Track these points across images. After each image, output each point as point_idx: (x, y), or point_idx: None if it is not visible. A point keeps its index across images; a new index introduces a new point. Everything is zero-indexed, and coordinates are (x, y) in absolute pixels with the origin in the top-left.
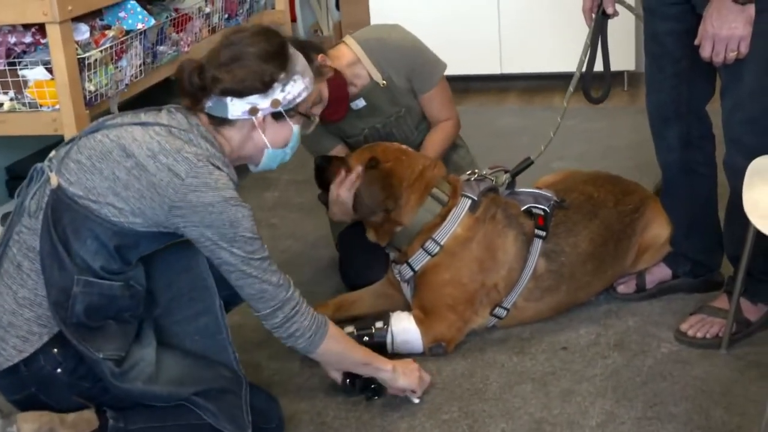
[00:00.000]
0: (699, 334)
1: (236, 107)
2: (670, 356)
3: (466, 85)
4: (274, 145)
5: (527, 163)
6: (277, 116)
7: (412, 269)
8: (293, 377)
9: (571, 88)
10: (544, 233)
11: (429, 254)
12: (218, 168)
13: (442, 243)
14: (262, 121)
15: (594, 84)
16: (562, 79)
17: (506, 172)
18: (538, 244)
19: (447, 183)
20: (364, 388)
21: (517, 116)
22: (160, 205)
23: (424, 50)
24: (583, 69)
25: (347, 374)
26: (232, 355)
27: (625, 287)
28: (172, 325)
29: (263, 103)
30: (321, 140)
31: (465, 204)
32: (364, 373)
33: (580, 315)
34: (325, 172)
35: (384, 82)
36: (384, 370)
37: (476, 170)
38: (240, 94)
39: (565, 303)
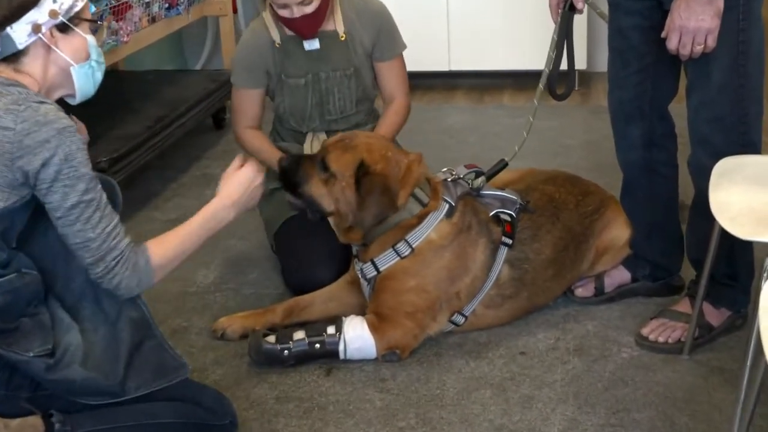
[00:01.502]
0: (661, 339)
1: (19, 33)
2: (632, 361)
3: (413, 83)
4: (77, 59)
5: (501, 165)
6: (63, 29)
7: (377, 269)
8: (241, 382)
9: (541, 86)
10: (510, 241)
11: (398, 255)
12: (42, 102)
13: (414, 246)
14: (51, 36)
15: (557, 81)
16: (512, 77)
17: (478, 175)
18: (503, 252)
19: (428, 183)
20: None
21: (466, 114)
22: (5, 165)
23: (394, 22)
24: (550, 66)
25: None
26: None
27: (584, 290)
28: (68, 286)
29: (41, 17)
30: (249, 72)
31: (443, 208)
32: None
33: (537, 319)
34: (293, 174)
35: (344, 35)
36: (222, 217)
37: (452, 170)
38: (14, 17)
39: (524, 309)
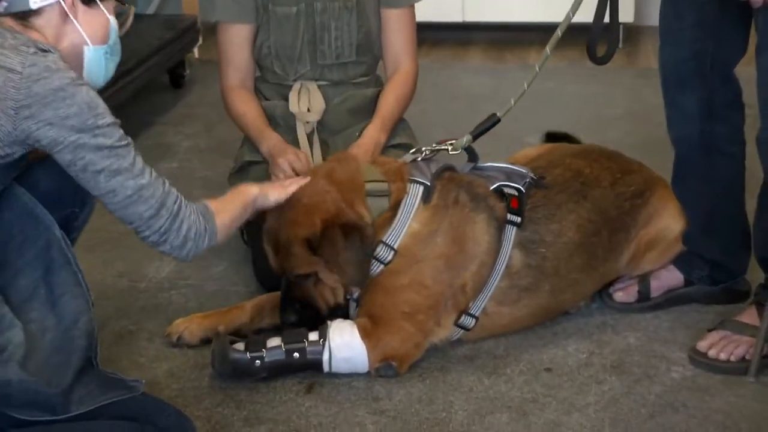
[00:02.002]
0: (721, 356)
1: None
2: (684, 383)
3: (420, 36)
4: (94, 39)
5: (492, 122)
6: (87, 1)
7: None
8: (201, 400)
9: (558, 32)
10: (518, 219)
11: (381, 263)
12: (49, 51)
13: (396, 246)
14: (72, 4)
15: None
16: (539, 31)
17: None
18: (511, 232)
19: (372, 167)
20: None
21: (482, 76)
22: (4, 111)
23: None
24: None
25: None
26: (86, 293)
27: (625, 295)
28: (16, 281)
29: None
30: (234, 1)
31: (416, 192)
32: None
33: (567, 328)
34: (305, 314)
35: None
36: (250, 197)
37: (422, 147)
38: None
39: (547, 308)
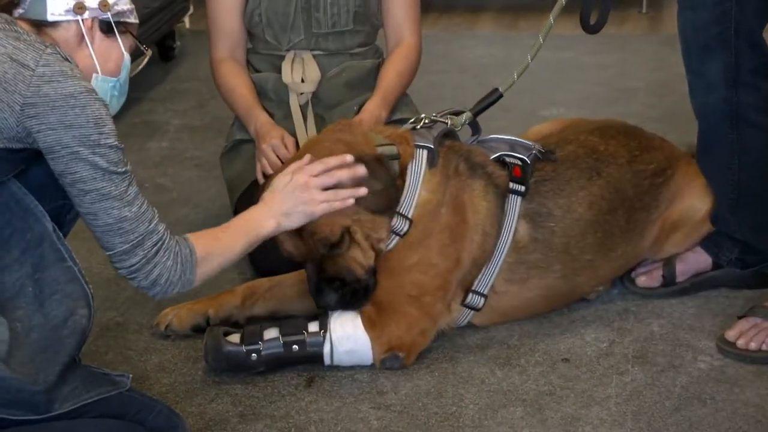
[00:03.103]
0: (752, 345)
1: (57, 2)
2: (711, 374)
3: (427, 2)
4: (105, 68)
5: (495, 97)
6: (106, 30)
7: None
8: (195, 395)
9: (562, 0)
10: (522, 188)
11: (398, 235)
12: (66, 59)
13: (410, 215)
14: (90, 28)
15: (594, 5)
16: None
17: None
18: (516, 202)
19: (378, 135)
20: None
21: (494, 46)
22: (10, 105)
23: None
24: None
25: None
26: (85, 287)
27: (648, 279)
28: (1, 278)
29: (91, 0)
30: None
31: (422, 156)
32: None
33: (586, 315)
34: (327, 286)
35: None
36: (260, 225)
37: (422, 115)
38: None
39: (560, 290)
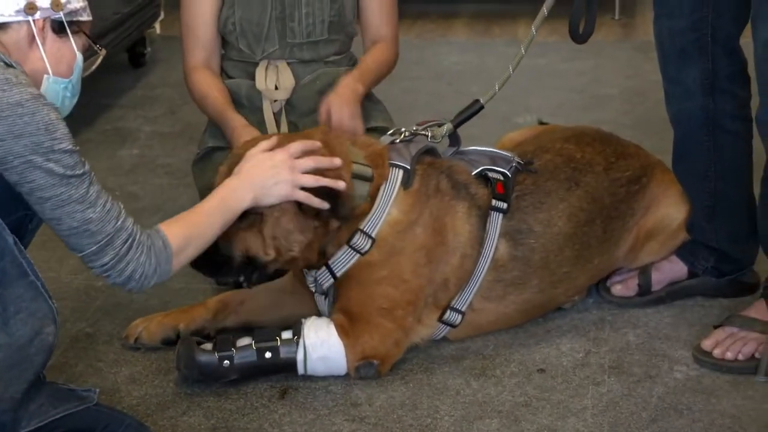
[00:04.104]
0: (728, 355)
1: (7, 3)
2: (688, 384)
3: (401, 8)
4: (57, 70)
5: (475, 109)
6: (58, 29)
7: (333, 275)
8: (166, 407)
9: (544, 10)
10: (504, 205)
11: (358, 252)
12: (10, 65)
13: (374, 234)
14: (42, 28)
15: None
16: (530, 2)
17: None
18: (497, 220)
19: (356, 149)
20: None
21: (468, 53)
22: None
23: None
24: None
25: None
26: (49, 302)
27: (624, 288)
28: None
29: (43, 0)
30: None
31: (396, 176)
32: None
33: (561, 325)
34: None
35: None
36: (238, 197)
37: (402, 129)
38: None
39: (537, 303)
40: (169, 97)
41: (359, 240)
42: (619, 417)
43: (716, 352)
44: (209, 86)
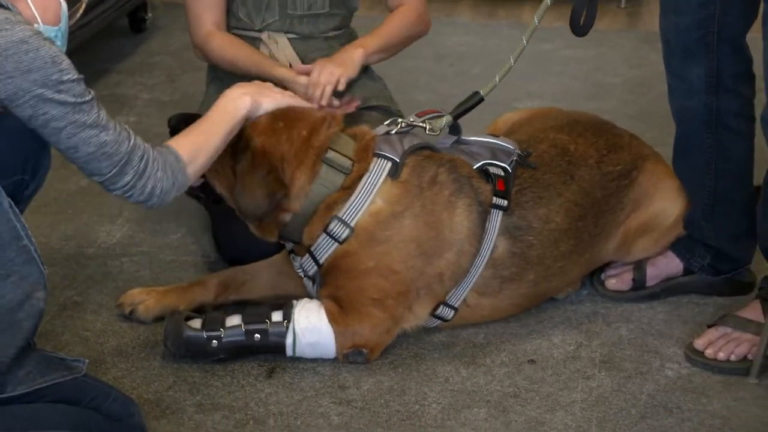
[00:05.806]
0: (721, 355)
1: None
2: (679, 382)
3: None
4: (45, 18)
5: (475, 100)
6: None
7: (317, 262)
8: (151, 382)
9: (547, 0)
10: (505, 202)
11: (336, 240)
12: (8, 8)
13: (352, 223)
14: None
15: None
16: None
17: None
18: (497, 217)
19: (349, 139)
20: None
21: (471, 35)
22: None
23: None
24: None
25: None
26: (41, 267)
27: (618, 282)
28: None
29: None
30: None
31: (382, 167)
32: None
33: (554, 316)
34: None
35: None
36: (237, 104)
37: (399, 119)
38: None
39: (530, 297)
40: (169, 65)
41: (336, 227)
42: (608, 412)
43: (708, 352)
44: (238, 47)
